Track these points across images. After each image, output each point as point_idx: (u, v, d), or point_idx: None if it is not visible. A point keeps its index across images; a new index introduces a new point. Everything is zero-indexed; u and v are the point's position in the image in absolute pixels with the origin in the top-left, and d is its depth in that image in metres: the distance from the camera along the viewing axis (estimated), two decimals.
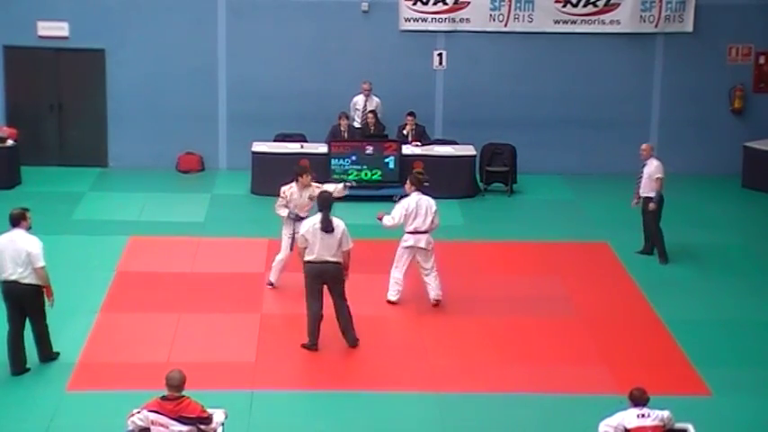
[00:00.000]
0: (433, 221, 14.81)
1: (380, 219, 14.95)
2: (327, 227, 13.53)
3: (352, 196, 19.37)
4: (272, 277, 15.48)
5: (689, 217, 18.96)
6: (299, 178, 15.21)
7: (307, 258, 13.62)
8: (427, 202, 14.82)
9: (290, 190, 15.30)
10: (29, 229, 12.89)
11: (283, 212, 15.26)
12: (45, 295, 12.86)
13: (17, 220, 12.82)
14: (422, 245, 14.79)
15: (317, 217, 13.65)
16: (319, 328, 13.69)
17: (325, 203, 13.77)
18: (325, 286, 13.71)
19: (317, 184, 15.25)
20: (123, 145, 21.33)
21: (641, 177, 16.72)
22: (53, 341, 13.59)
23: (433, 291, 14.92)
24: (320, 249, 13.53)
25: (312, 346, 13.66)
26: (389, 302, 14.99)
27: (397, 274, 15.00)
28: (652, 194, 16.59)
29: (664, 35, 21.49)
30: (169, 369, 10.09)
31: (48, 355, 13.18)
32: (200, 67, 21.19)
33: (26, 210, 13.00)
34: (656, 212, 16.64)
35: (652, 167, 16.59)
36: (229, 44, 21.18)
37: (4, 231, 15.07)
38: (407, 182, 15.04)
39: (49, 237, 16.52)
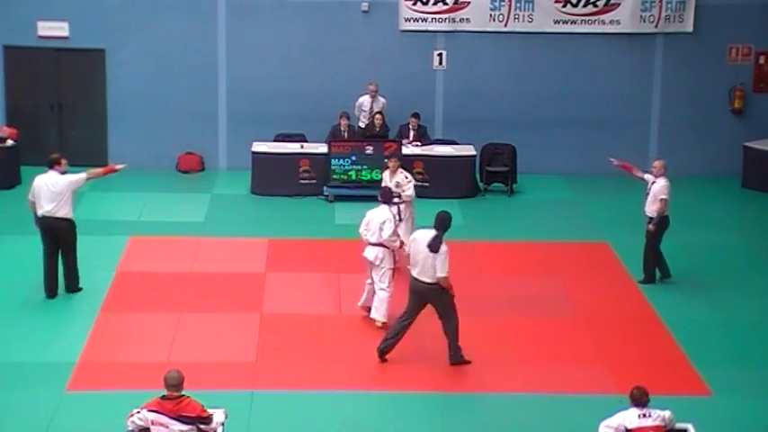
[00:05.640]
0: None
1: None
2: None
3: (353, 196, 19.47)
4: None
5: (689, 217, 18.94)
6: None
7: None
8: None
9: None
10: (63, 173, 14.85)
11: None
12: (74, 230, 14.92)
13: (52, 163, 14.90)
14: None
15: None
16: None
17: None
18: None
19: None
20: (123, 145, 21.31)
21: (648, 194, 15.98)
22: (53, 340, 13.70)
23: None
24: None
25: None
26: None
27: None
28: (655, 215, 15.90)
29: (664, 35, 21.49)
30: (169, 369, 10.09)
31: (74, 287, 15.05)
32: (200, 67, 21.18)
33: (63, 155, 15.11)
34: (656, 234, 15.94)
35: (658, 187, 15.75)
36: (229, 44, 21.17)
37: (5, 231, 15.28)
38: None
39: None
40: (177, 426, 9.82)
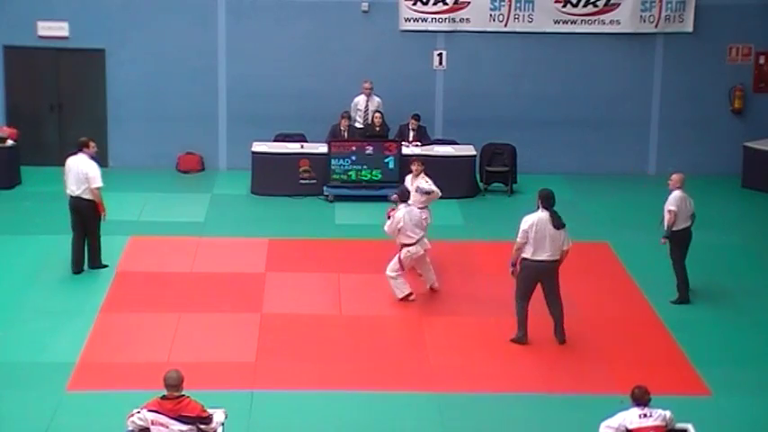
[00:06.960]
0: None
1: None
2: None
3: (353, 196, 19.47)
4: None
5: None
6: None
7: None
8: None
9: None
10: (92, 156, 15.65)
11: None
12: (99, 211, 15.53)
13: (81, 146, 15.68)
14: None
15: None
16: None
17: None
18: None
19: None
20: (123, 145, 21.32)
21: None
22: (53, 340, 13.69)
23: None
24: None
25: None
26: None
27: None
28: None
29: (664, 35, 21.49)
30: (169, 369, 10.08)
31: (97, 264, 15.78)
32: (200, 67, 21.17)
33: (91, 139, 15.92)
34: (672, 249, 15.27)
35: (668, 198, 15.09)
36: (229, 44, 21.17)
37: (5, 231, 15.26)
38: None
39: (49, 237, 16.61)
40: (177, 426, 9.83)
